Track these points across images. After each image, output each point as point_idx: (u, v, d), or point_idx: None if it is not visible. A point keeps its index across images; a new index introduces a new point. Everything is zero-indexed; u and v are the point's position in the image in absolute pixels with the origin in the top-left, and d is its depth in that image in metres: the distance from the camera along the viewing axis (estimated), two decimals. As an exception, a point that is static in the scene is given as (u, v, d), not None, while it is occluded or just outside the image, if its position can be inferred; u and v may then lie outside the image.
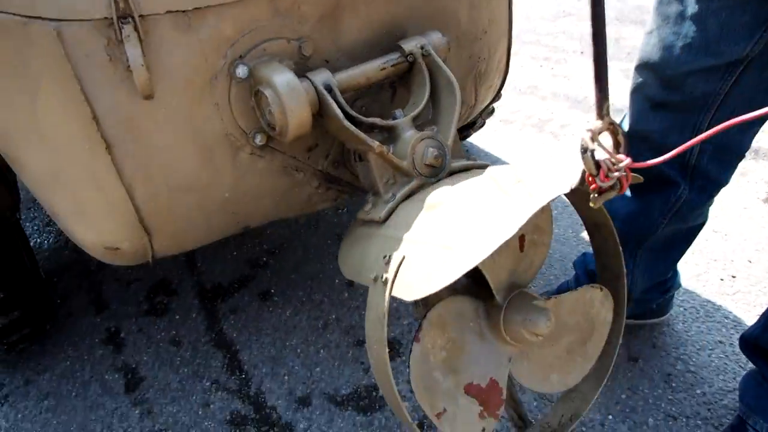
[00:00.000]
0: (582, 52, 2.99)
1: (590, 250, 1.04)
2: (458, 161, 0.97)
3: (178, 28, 0.81)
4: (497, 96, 1.81)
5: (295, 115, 0.84)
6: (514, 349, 0.86)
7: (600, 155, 0.68)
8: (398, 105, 1.01)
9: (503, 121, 2.45)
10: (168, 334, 1.57)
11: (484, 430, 0.83)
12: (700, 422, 1.18)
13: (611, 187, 0.69)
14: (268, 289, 1.68)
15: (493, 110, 2.06)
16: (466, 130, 2.03)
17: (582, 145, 0.67)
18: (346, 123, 0.89)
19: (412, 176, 0.93)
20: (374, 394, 1.32)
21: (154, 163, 0.88)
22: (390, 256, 0.81)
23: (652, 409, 1.21)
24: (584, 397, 0.98)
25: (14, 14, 0.75)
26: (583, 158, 0.68)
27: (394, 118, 0.95)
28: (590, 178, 0.69)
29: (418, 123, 0.98)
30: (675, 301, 1.44)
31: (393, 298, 0.77)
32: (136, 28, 0.77)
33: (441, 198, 0.85)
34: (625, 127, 1.14)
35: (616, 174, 0.67)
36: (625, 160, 0.66)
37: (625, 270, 0.95)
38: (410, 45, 0.96)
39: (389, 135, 0.95)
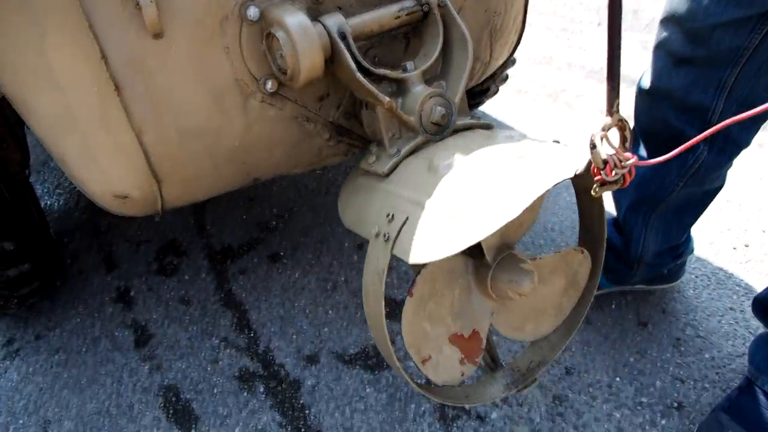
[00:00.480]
0: (599, 24, 2.94)
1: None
2: (463, 119, 0.97)
3: (189, -35, 0.79)
4: (512, 57, 1.79)
5: (307, 58, 0.83)
6: (497, 304, 0.91)
7: (607, 150, 0.71)
8: (411, 57, 1.00)
9: (517, 91, 2.42)
10: (177, 294, 1.57)
11: (462, 374, 0.91)
12: (707, 385, 1.17)
13: (615, 182, 0.72)
14: (277, 251, 1.68)
15: (507, 77, 2.03)
16: (480, 96, 2.01)
17: (591, 141, 0.70)
18: (358, 75, 0.87)
19: (418, 133, 0.93)
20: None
21: (163, 107, 0.87)
22: (393, 215, 0.83)
23: (659, 372, 1.21)
24: (553, 346, 1.04)
25: (22, -54, 0.74)
26: (591, 153, 0.71)
27: (405, 71, 0.93)
28: (595, 170, 0.72)
29: (428, 77, 0.97)
30: (686, 268, 1.42)
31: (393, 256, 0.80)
32: (145, -37, 0.76)
33: (446, 161, 0.85)
34: (646, 84, 1.11)
35: (621, 171, 0.70)
36: (631, 159, 0.69)
37: (606, 234, 0.98)
38: (426, -7, 0.94)
39: (398, 88, 0.94)
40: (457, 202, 0.78)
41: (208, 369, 1.35)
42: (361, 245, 1.64)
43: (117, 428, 1.24)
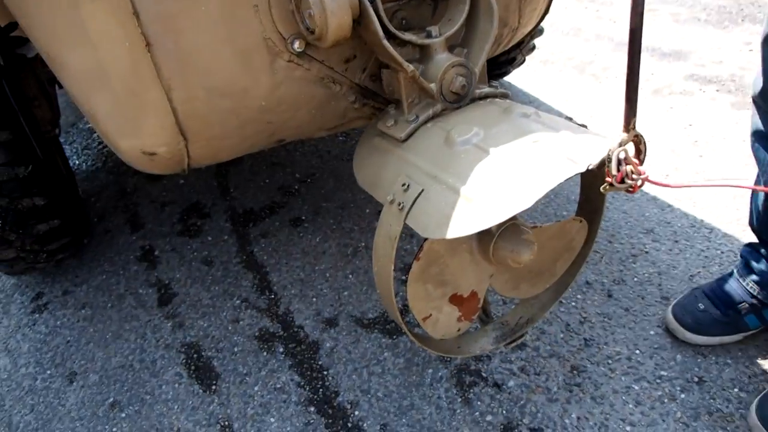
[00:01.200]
0: None
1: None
2: (481, 88, 0.98)
3: None
4: (539, 27, 1.76)
5: (335, 17, 0.82)
6: (496, 268, 0.95)
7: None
8: (437, 21, 0.98)
9: (543, 62, 2.38)
10: (200, 254, 1.60)
11: (459, 330, 0.98)
12: (729, 361, 1.16)
13: (626, 187, 0.75)
14: (298, 215, 1.69)
15: (534, 46, 2.00)
16: (506, 66, 1.98)
17: (609, 153, 0.74)
18: (385, 42, 0.87)
19: (437, 101, 0.94)
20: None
21: (192, 64, 0.87)
22: (408, 185, 0.86)
23: (680, 347, 1.20)
24: (542, 305, 1.10)
25: None
26: (608, 162, 0.74)
27: (429, 36, 0.93)
28: (608, 171, 0.75)
29: (451, 43, 0.97)
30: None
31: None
32: None
33: (464, 136, 0.87)
34: (759, 84, 1.04)
35: (631, 182, 0.74)
36: (643, 174, 0.73)
37: (604, 205, 1.04)
38: (457, -45, 0.93)
39: (422, 54, 0.94)
40: (473, 184, 0.80)
41: (229, 328, 1.37)
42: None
43: (140, 382, 1.28)
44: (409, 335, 0.95)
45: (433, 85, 0.92)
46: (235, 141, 1.01)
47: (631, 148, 0.77)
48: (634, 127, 0.77)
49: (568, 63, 2.36)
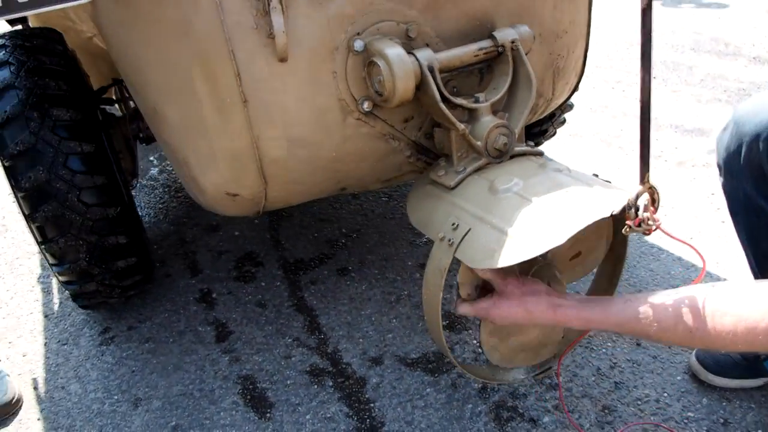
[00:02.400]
0: (654, 77, 3.05)
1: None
2: (519, 146, 1.14)
3: (312, 4, 0.98)
4: (570, 102, 1.93)
5: (402, 82, 0.99)
6: None
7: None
8: (483, 89, 1.15)
9: (572, 135, 2.55)
10: (254, 298, 1.74)
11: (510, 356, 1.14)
12: (753, 405, 1.23)
13: (644, 230, 0.90)
14: (345, 266, 1.83)
15: (564, 120, 2.17)
16: (538, 137, 2.15)
17: (629, 201, 0.89)
18: (441, 105, 1.04)
19: (482, 155, 1.09)
20: (443, 359, 1.44)
21: (278, 118, 1.05)
22: (458, 225, 1.01)
23: (706, 391, 1.28)
24: (567, 341, 1.18)
25: (187, -14, 0.94)
26: (628, 209, 0.89)
27: (477, 101, 1.09)
28: (628, 216, 0.89)
29: (496, 108, 1.13)
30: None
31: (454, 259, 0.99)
32: (281, 2, 0.94)
33: (505, 185, 1.03)
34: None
35: (646, 226, 0.88)
36: (658, 221, 0.88)
37: (626, 251, 1.17)
38: (503, 35, 1.10)
39: (470, 115, 1.11)
40: (514, 224, 0.95)
41: (282, 363, 1.49)
42: (422, 264, 1.78)
43: (200, 408, 1.39)
44: (454, 361, 1.07)
45: (479, 143, 1.08)
46: (306, 186, 1.17)
47: (646, 198, 0.91)
48: (648, 181, 0.91)
49: (595, 137, 2.53)
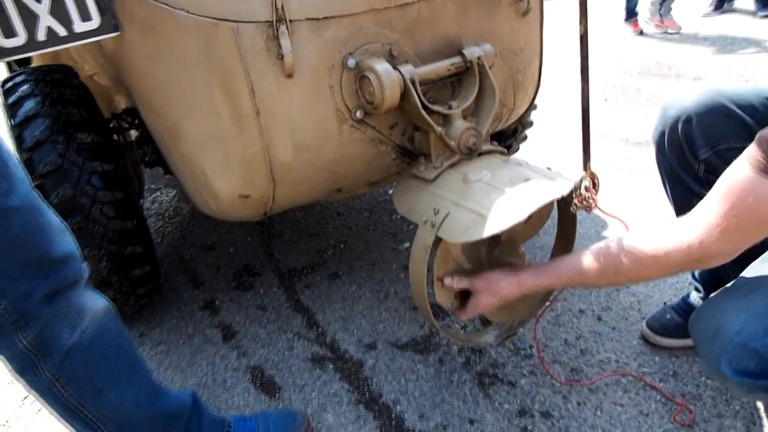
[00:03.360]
0: (605, 99, 3.35)
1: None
2: (486, 145, 1.36)
3: (312, 30, 1.19)
4: (530, 119, 2.17)
5: (389, 91, 1.20)
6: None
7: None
8: (454, 98, 1.37)
9: (533, 152, 2.80)
10: (255, 302, 1.90)
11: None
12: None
13: (585, 207, 1.18)
14: (336, 271, 2.01)
15: (526, 137, 2.41)
16: (510, 138, 2.36)
17: (575, 184, 1.16)
18: (422, 111, 1.25)
19: (456, 153, 1.30)
20: (430, 340, 1.62)
21: (285, 126, 1.24)
22: (438, 210, 1.22)
23: (659, 352, 1.48)
24: (530, 311, 1.41)
25: (209, 17, 1.14)
26: (575, 191, 1.16)
27: (450, 108, 1.31)
28: (574, 197, 1.17)
29: (466, 114, 1.35)
30: None
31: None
32: (287, 28, 1.15)
33: (476, 176, 1.25)
34: None
35: (587, 203, 1.17)
36: (595, 200, 1.19)
37: (576, 227, 1.40)
38: (470, 52, 1.33)
39: (444, 120, 1.32)
40: (484, 206, 1.16)
41: (286, 354, 1.65)
42: (406, 266, 1.96)
43: (215, 395, 1.54)
44: (435, 324, 1.26)
45: (453, 142, 1.29)
46: (308, 186, 1.36)
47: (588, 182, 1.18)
48: (590, 168, 1.14)
49: (553, 152, 2.78)
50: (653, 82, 3.51)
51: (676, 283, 1.73)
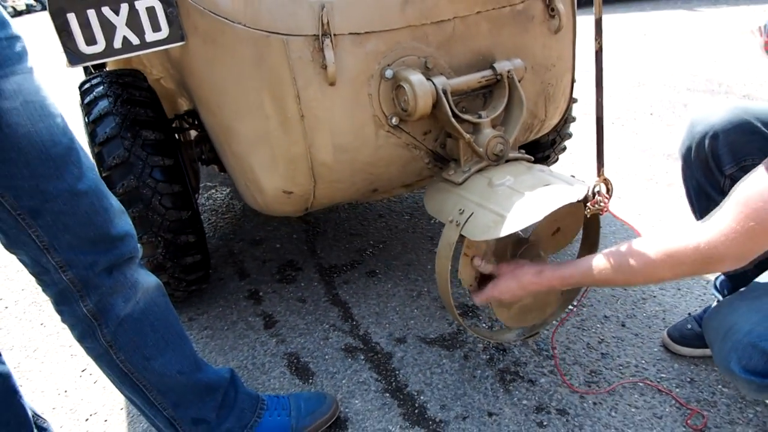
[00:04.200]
0: (651, 114, 3.36)
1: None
2: (513, 153, 1.44)
3: (354, 43, 1.30)
4: (569, 131, 2.23)
5: (422, 101, 1.30)
6: None
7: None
8: (485, 108, 1.46)
9: (572, 163, 2.84)
10: (295, 295, 2.02)
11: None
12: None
13: (597, 210, 1.24)
14: (373, 269, 2.11)
15: (565, 148, 2.46)
16: (542, 162, 2.44)
17: (588, 189, 1.24)
18: (453, 119, 1.35)
19: (483, 159, 1.39)
20: (457, 337, 1.70)
21: (327, 129, 1.36)
22: (463, 210, 1.31)
23: (679, 359, 1.52)
24: (552, 313, 1.49)
25: (262, 30, 1.27)
26: (587, 195, 1.23)
27: (480, 117, 1.40)
28: (588, 200, 1.23)
29: (495, 123, 1.44)
30: None
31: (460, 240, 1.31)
32: (332, 41, 1.27)
33: (500, 181, 1.34)
34: None
35: (599, 207, 1.22)
36: (606, 203, 1.24)
37: (599, 242, 1.47)
38: (501, 66, 1.42)
39: (474, 128, 1.41)
40: (505, 208, 1.25)
41: (321, 344, 1.76)
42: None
43: (253, 377, 1.66)
44: (458, 319, 1.35)
45: (481, 149, 1.38)
46: (346, 185, 1.48)
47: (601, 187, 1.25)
48: (603, 174, 1.23)
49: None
50: (701, 99, 3.49)
51: (702, 295, 1.76)
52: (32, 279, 1.07)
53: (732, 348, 1.03)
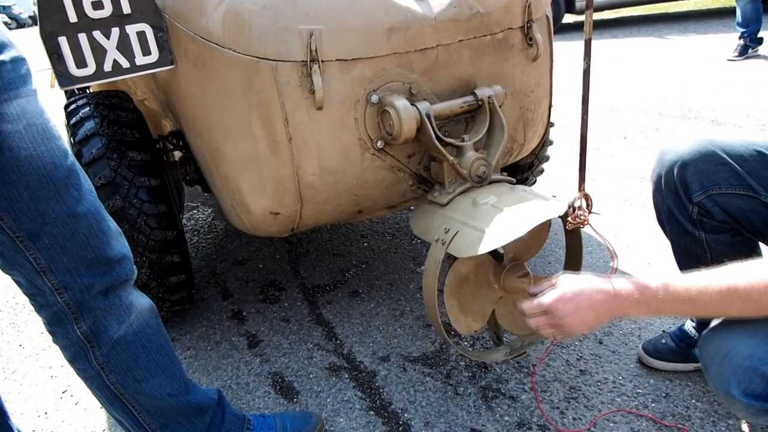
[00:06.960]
0: (625, 137, 3.46)
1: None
2: (495, 175, 1.49)
3: (341, 69, 1.35)
4: (546, 154, 2.29)
5: (407, 125, 1.35)
6: (502, 293, 1.45)
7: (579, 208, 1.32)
8: (467, 132, 1.51)
9: (550, 185, 2.91)
10: (279, 315, 2.04)
11: (468, 327, 1.47)
12: (690, 383, 1.52)
13: (578, 223, 1.30)
14: (356, 289, 2.14)
15: (542, 170, 2.53)
16: (527, 171, 2.48)
17: (569, 204, 1.30)
18: (436, 142, 1.40)
19: (467, 181, 1.44)
20: (440, 355, 1.73)
21: (314, 151, 1.39)
22: (449, 229, 1.36)
23: (654, 375, 1.57)
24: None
25: (252, 56, 1.31)
26: (568, 209, 1.29)
27: (463, 141, 1.45)
28: (569, 215, 1.29)
29: (477, 147, 1.49)
30: None
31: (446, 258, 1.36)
32: (319, 67, 1.31)
33: (483, 200, 1.39)
34: None
35: (579, 220, 1.29)
36: (586, 216, 1.30)
37: (582, 262, 1.51)
38: (482, 92, 1.47)
39: (458, 151, 1.46)
40: (488, 225, 1.30)
41: (305, 362, 1.78)
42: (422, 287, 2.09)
43: (238, 397, 1.67)
44: (446, 338, 1.38)
45: (464, 171, 1.43)
46: (332, 207, 1.51)
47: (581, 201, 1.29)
48: (584, 189, 1.27)
49: (573, 186, 2.89)
50: (672, 123, 3.60)
51: (676, 314, 1.81)
52: (9, 300, 1.07)
53: (732, 372, 1.02)
